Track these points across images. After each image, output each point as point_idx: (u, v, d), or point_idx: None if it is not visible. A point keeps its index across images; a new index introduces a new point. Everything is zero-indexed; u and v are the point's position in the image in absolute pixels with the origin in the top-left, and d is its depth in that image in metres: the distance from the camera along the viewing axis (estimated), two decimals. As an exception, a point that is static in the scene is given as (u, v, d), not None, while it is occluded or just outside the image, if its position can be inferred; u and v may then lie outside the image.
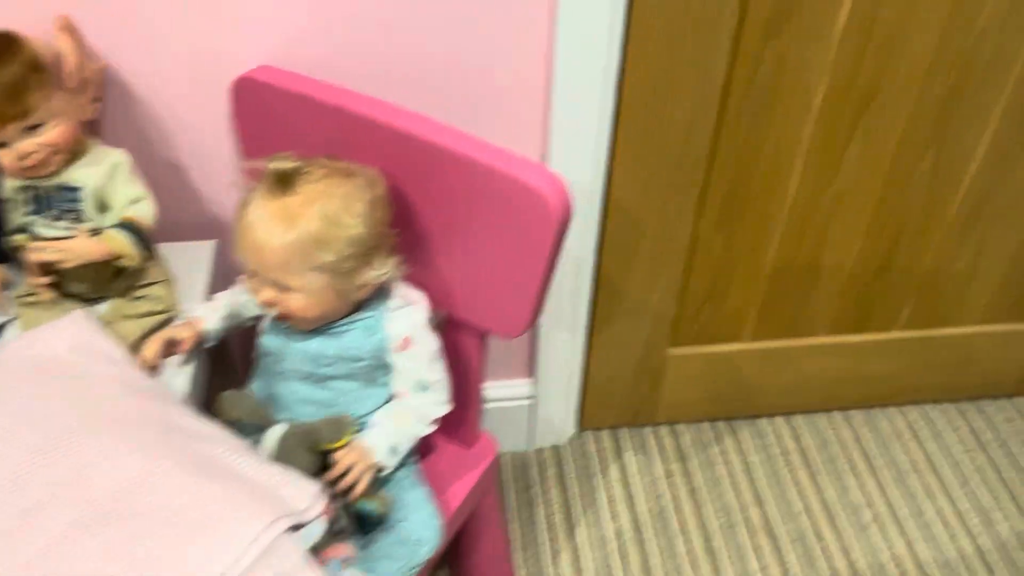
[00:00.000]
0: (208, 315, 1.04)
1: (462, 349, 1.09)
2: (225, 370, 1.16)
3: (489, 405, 1.48)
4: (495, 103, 1.14)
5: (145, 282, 1.06)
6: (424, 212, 1.01)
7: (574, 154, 1.21)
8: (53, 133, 0.95)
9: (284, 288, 0.91)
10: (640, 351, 1.55)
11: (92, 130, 1.08)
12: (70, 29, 0.99)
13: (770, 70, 1.19)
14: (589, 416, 1.65)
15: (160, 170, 1.15)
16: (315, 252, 0.88)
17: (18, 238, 1.03)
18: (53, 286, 1.03)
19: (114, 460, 0.80)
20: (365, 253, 0.92)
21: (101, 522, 0.76)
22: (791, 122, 1.26)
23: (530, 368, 1.53)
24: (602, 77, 1.13)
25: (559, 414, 1.60)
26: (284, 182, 0.89)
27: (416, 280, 1.04)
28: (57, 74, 0.96)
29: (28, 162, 0.95)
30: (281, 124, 1.05)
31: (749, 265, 1.45)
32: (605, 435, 1.68)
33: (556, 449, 1.65)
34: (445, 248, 1.03)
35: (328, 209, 0.88)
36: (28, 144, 0.94)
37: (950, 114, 1.28)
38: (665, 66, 1.15)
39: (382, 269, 0.94)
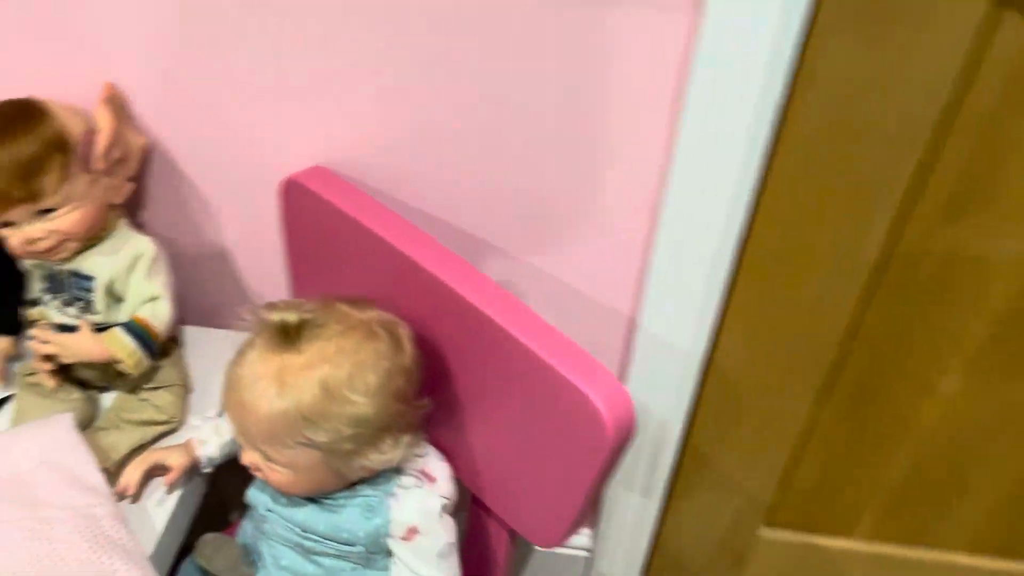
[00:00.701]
0: (210, 438, 0.91)
1: (488, 541, 0.91)
2: (219, 501, 1.02)
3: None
4: (584, 240, 0.95)
5: (154, 385, 0.94)
6: (463, 379, 0.84)
7: (673, 309, 1.00)
8: (66, 220, 0.84)
9: (269, 458, 0.76)
10: (725, 527, 1.31)
11: (132, 202, 0.96)
12: (114, 101, 0.88)
13: (939, 258, 0.93)
14: (654, 581, 1.42)
15: (202, 253, 1.04)
16: (305, 429, 0.72)
17: (32, 312, 0.94)
18: (60, 369, 0.93)
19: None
20: (370, 435, 0.75)
21: None
22: (956, 318, 0.99)
23: (592, 519, 1.32)
24: (721, 233, 0.91)
25: (618, 574, 1.38)
26: (287, 336, 0.74)
27: (444, 446, 0.87)
28: (85, 153, 0.84)
29: (35, 248, 0.85)
30: (324, 237, 0.91)
31: (877, 463, 1.19)
32: (670, 604, 1.44)
33: (611, 608, 1.43)
34: (480, 426, 0.85)
35: (332, 379, 0.72)
36: (36, 230, 0.84)
37: None
38: (802, 235, 0.92)
39: (391, 453, 0.77)
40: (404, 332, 0.79)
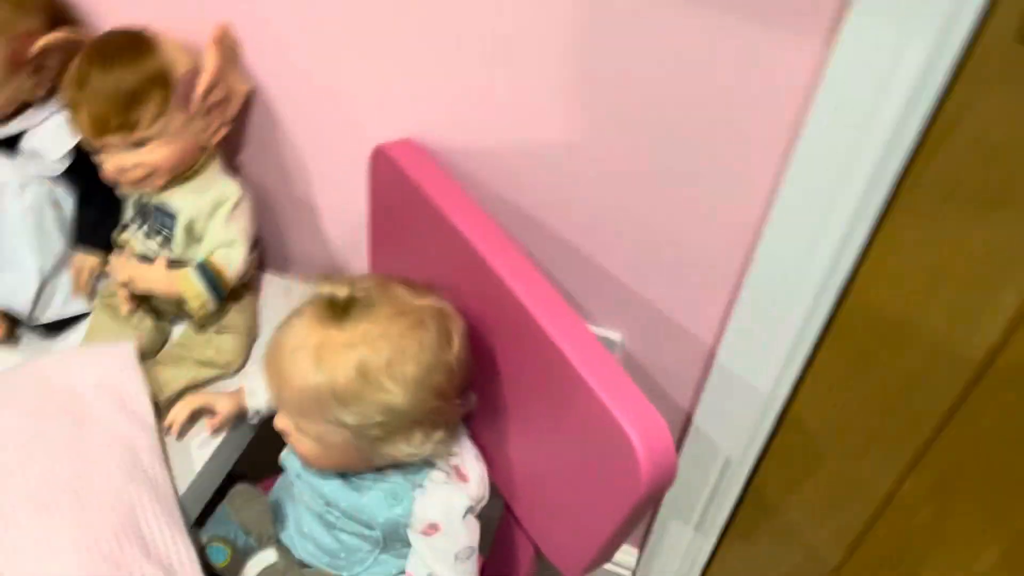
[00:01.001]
0: (259, 390, 0.91)
1: (514, 553, 0.87)
2: (262, 448, 1.03)
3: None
4: (674, 264, 0.88)
5: (219, 328, 0.95)
6: (511, 384, 0.80)
7: (757, 349, 0.92)
8: (156, 154, 0.85)
9: (299, 427, 0.75)
10: (780, 579, 1.23)
11: (229, 144, 0.97)
12: (224, 44, 0.88)
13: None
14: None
15: (290, 204, 1.04)
16: (335, 407, 0.71)
17: (121, 236, 0.96)
18: (137, 296, 0.95)
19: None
20: (401, 425, 0.73)
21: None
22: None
23: (641, 538, 1.27)
24: (819, 284, 0.83)
25: (660, 602, 1.32)
26: (335, 311, 0.72)
27: (484, 446, 0.84)
28: (185, 91, 0.85)
29: (124, 177, 0.86)
30: (403, 212, 0.88)
31: (962, 550, 1.08)
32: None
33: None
34: (521, 435, 0.81)
35: (369, 362, 0.70)
36: (127, 159, 0.85)
37: None
38: (910, 304, 0.82)
39: (420, 447, 0.74)
40: (456, 327, 0.75)
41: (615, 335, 0.98)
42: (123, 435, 0.83)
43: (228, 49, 0.89)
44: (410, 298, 0.75)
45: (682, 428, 1.06)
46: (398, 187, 0.87)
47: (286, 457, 0.84)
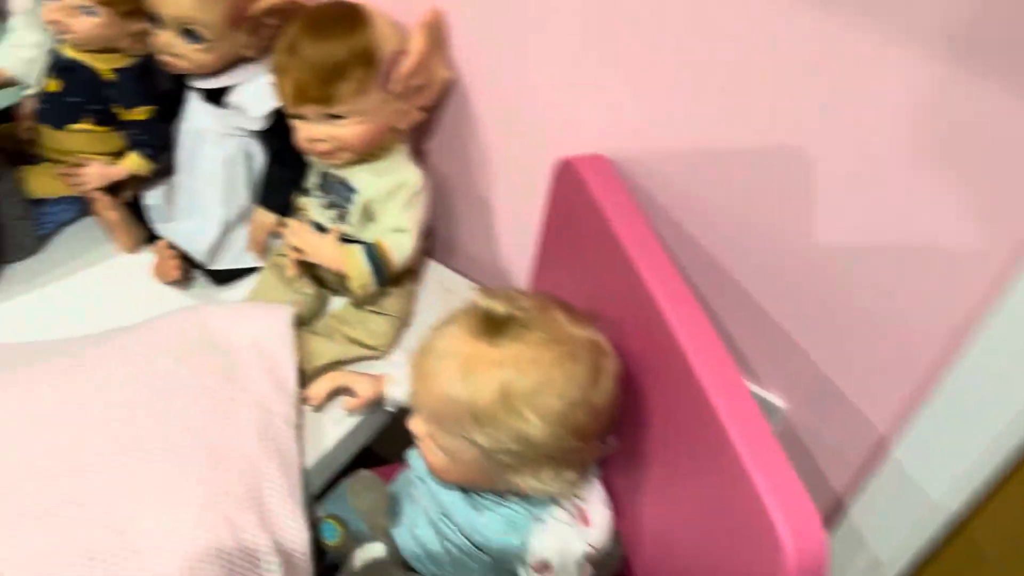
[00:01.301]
0: (402, 381, 0.90)
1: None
2: (395, 430, 1.02)
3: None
4: (865, 338, 0.80)
5: (375, 309, 0.95)
6: (657, 437, 0.74)
7: (937, 455, 0.82)
8: (349, 131, 0.85)
9: (431, 434, 0.73)
10: None
11: (419, 127, 0.96)
12: (433, 27, 0.87)
13: None
14: None
15: (468, 197, 1.02)
16: (470, 425, 0.68)
17: (301, 200, 0.98)
18: (303, 264, 0.96)
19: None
20: (533, 458, 0.69)
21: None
22: None
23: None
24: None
25: None
26: (490, 326, 0.69)
27: (615, 494, 0.79)
28: (386, 71, 0.84)
29: (314, 147, 0.87)
30: (579, 229, 0.84)
31: None
32: None
33: None
34: (657, 492, 0.75)
35: (514, 386, 0.66)
36: (319, 131, 0.85)
37: None
38: None
39: (548, 484, 0.70)
40: (610, 366, 0.71)
41: (778, 400, 0.90)
42: (264, 399, 0.84)
43: (436, 34, 0.88)
44: (568, 326, 0.70)
45: (830, 511, 0.96)
46: (579, 203, 0.83)
47: (413, 456, 0.83)
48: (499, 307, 0.69)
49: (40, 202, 1.00)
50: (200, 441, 0.79)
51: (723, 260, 0.85)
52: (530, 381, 0.67)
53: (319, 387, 0.88)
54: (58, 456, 0.76)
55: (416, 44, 0.85)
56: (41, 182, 1.00)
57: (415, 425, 0.75)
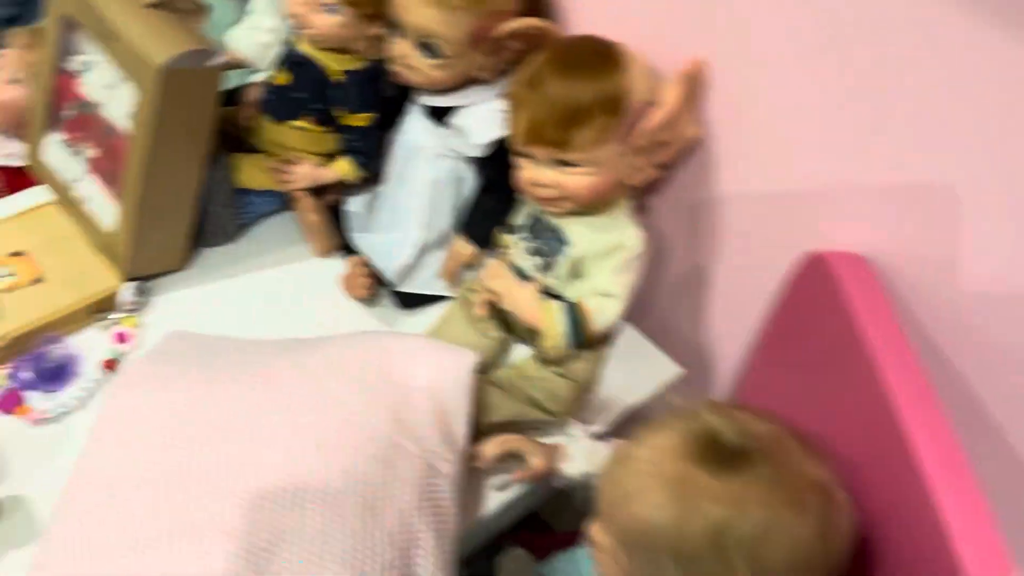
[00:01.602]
0: (579, 457, 0.80)
1: None
2: (560, 504, 0.93)
3: None
4: None
5: (561, 371, 0.86)
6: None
7: None
8: (577, 181, 0.77)
9: (613, 549, 0.63)
10: None
11: (647, 185, 0.87)
12: (691, 82, 0.77)
13: None
14: None
15: (686, 272, 0.92)
16: (666, 559, 0.57)
17: (504, 238, 0.90)
18: (493, 306, 0.89)
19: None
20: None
21: None
22: None
23: None
24: None
25: None
26: (717, 452, 0.58)
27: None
28: (631, 122, 0.75)
29: (534, 191, 0.79)
30: (818, 329, 0.73)
31: None
32: None
33: None
34: None
35: (732, 530, 0.56)
36: (545, 175, 0.78)
37: None
38: None
39: None
40: (842, 522, 0.59)
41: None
42: (430, 452, 0.77)
43: (692, 89, 0.78)
44: (802, 462, 0.59)
45: None
46: (826, 302, 0.71)
47: (580, 558, 0.73)
48: (730, 433, 0.58)
49: (245, 191, 0.98)
50: (357, 488, 0.73)
51: (981, 390, 0.70)
52: (751, 527, 0.56)
53: (490, 448, 0.80)
54: (213, 470, 0.72)
55: (670, 97, 0.76)
56: (250, 173, 0.98)
57: (598, 535, 0.65)
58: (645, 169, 0.80)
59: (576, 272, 0.83)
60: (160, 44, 0.81)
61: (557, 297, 0.83)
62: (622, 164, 0.77)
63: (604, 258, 0.81)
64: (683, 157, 0.84)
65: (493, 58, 0.87)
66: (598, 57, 0.75)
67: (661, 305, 0.96)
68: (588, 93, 0.73)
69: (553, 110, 0.74)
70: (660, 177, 0.85)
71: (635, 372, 0.92)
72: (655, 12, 0.81)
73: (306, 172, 0.96)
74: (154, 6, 0.86)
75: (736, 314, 0.88)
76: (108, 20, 0.84)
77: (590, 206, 0.80)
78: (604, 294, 0.80)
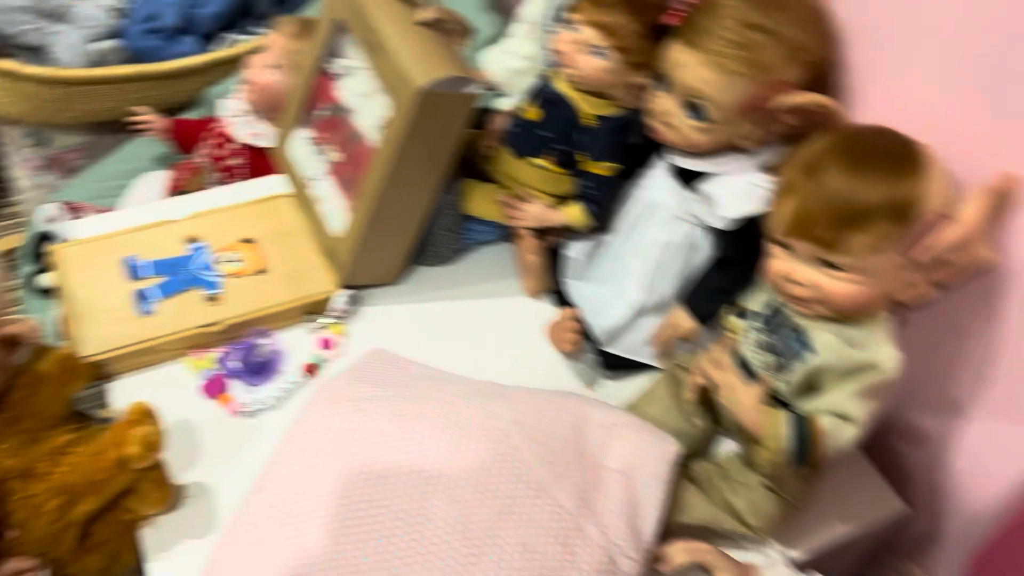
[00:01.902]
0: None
1: None
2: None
3: None
4: None
5: (771, 484, 0.77)
6: None
7: None
8: (839, 287, 0.68)
9: None
10: None
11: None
12: (999, 198, 0.66)
13: None
14: None
15: (936, 404, 0.80)
16: None
17: (731, 320, 0.83)
18: (704, 392, 0.82)
19: None
20: None
21: None
22: None
23: None
24: None
25: None
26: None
27: None
28: (917, 235, 0.66)
29: (785, 287, 0.71)
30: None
31: None
32: None
33: None
34: None
35: None
36: (803, 273, 0.69)
37: None
38: None
39: None
40: None
41: None
42: (613, 545, 0.71)
43: (997, 207, 0.67)
44: None
45: None
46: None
47: None
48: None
49: (469, 218, 0.96)
50: (533, 565, 0.68)
51: None
52: None
53: (679, 554, 0.73)
54: (386, 516, 0.70)
55: (970, 213, 0.65)
56: (479, 201, 0.95)
57: None
58: (920, 287, 0.69)
59: (812, 383, 0.73)
60: (424, 65, 0.80)
61: (784, 404, 0.75)
62: (896, 277, 0.68)
63: (849, 376, 0.71)
64: (967, 280, 0.73)
65: (761, 129, 0.79)
66: (893, 154, 0.66)
67: (896, 435, 0.85)
68: (875, 194, 0.64)
69: (829, 205, 0.66)
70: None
71: (853, 500, 0.82)
72: (967, 110, 0.71)
73: (536, 212, 0.92)
74: (425, 24, 0.85)
75: (986, 472, 0.76)
76: (377, 32, 0.84)
77: (846, 315, 0.71)
78: (842, 416, 0.71)
